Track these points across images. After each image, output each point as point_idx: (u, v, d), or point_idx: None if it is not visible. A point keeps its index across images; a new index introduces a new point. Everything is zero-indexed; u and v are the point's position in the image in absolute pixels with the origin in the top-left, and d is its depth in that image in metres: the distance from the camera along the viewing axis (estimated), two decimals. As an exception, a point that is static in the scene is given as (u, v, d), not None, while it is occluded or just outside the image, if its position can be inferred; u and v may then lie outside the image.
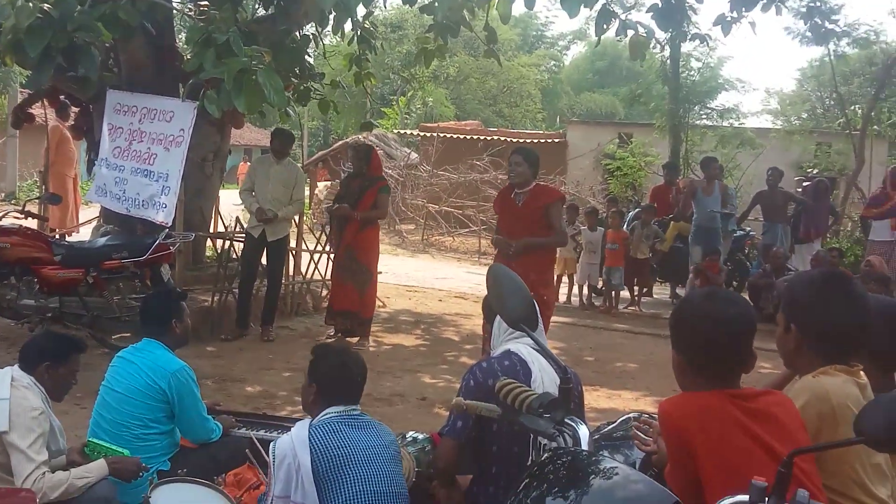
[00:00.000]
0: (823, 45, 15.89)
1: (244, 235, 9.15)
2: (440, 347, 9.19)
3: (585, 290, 12.44)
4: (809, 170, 18.80)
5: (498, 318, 3.67)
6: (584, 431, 2.11)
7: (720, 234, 11.97)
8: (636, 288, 12.28)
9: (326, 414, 3.64)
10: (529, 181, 7.09)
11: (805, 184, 15.16)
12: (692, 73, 19.52)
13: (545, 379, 3.31)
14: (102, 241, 8.03)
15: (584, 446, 2.07)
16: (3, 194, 19.88)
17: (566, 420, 2.14)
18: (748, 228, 13.33)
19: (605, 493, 1.81)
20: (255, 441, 4.48)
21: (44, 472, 3.79)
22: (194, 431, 4.65)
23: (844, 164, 18.75)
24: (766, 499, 1.75)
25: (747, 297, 11.82)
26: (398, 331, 10.00)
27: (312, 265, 10.81)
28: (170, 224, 7.99)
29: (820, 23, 11.61)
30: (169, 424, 4.58)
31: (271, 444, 3.62)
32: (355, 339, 8.81)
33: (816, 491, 2.18)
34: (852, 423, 2.45)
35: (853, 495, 2.43)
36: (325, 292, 10.75)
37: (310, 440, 3.44)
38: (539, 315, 2.58)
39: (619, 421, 3.20)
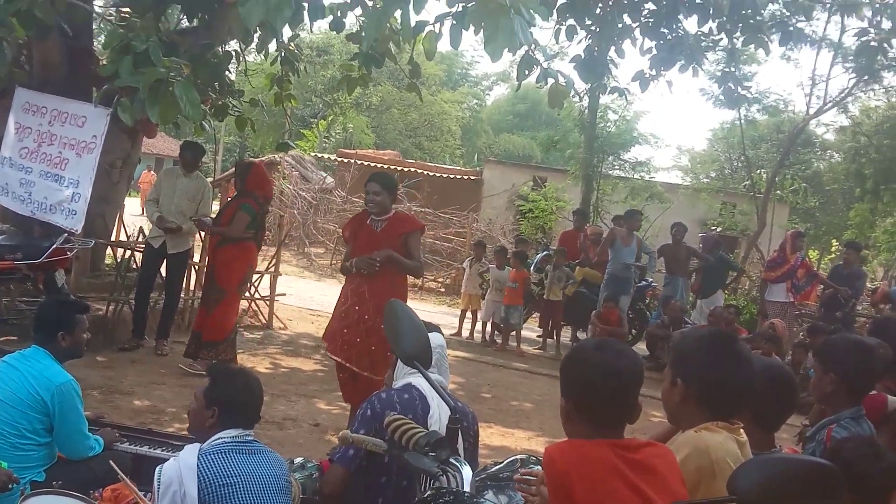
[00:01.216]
0: (735, 109, 16.53)
1: (144, 246, 8.97)
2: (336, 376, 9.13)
3: (489, 328, 12.54)
4: (713, 227, 19.40)
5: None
6: (467, 473, 2.11)
7: (632, 285, 12.25)
8: (551, 329, 12.49)
9: (219, 439, 3.55)
10: (388, 209, 6.62)
11: (700, 234, 15.69)
12: (608, 124, 19.98)
13: (443, 415, 3.32)
14: (-5, 239, 7.77)
15: (467, 488, 2.07)
16: None
17: (451, 460, 2.14)
18: (650, 279, 13.65)
19: None
20: (114, 465, 4.34)
21: None
22: (72, 448, 4.51)
23: (747, 225, 19.43)
24: None
25: (645, 346, 12.13)
26: (297, 354, 9.90)
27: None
28: (79, 231, 7.79)
29: (733, 88, 12.06)
30: (47, 437, 4.43)
31: (157, 468, 3.52)
32: (188, 363, 8.30)
33: None
34: (727, 472, 2.54)
35: None
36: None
37: (198, 468, 3.35)
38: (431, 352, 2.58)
39: (506, 462, 3.22)
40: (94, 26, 9.64)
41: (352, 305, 6.52)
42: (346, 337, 6.49)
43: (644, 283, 13.32)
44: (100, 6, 8.49)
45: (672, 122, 65.27)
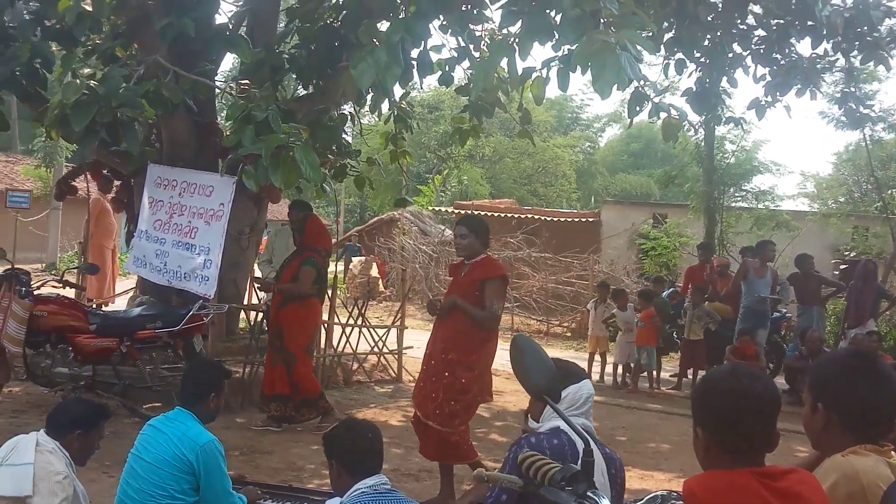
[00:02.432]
0: (858, 130, 15.95)
1: (266, 308, 9.23)
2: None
3: (620, 370, 12.34)
4: (847, 253, 18.63)
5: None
6: None
7: (768, 318, 11.87)
8: (690, 370, 12.18)
9: (356, 490, 3.62)
10: (478, 252, 6.31)
11: (843, 266, 15.03)
12: (727, 155, 19.56)
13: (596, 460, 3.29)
14: (137, 311, 8.15)
15: None
16: (44, 265, 20.24)
17: (588, 493, 2.11)
18: (784, 310, 13.19)
19: None
20: None
21: (66, 537, 3.81)
22: (218, 504, 4.63)
23: (882, 248, 18.57)
24: None
25: (784, 380, 11.68)
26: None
27: (344, 338, 10.84)
28: (212, 296, 8.08)
29: (854, 108, 11.67)
30: (194, 496, 4.54)
31: None
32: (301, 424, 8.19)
33: None
34: (879, 496, 2.41)
35: None
36: (355, 366, 10.77)
37: None
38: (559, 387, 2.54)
39: (646, 499, 3.12)
40: (216, 101, 10.09)
41: (427, 355, 6.55)
42: (422, 388, 6.48)
43: (778, 314, 12.88)
44: (221, 81, 8.90)
45: (793, 149, 63.21)
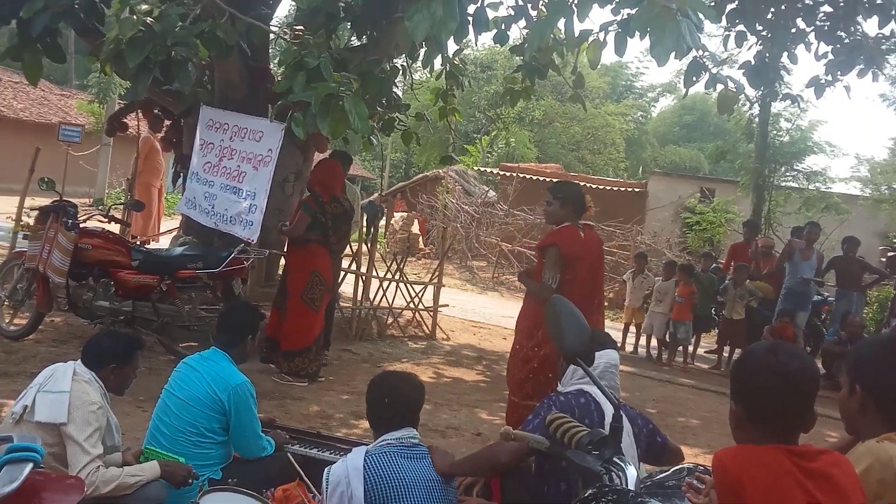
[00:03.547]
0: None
1: None
2: (500, 384, 9.10)
3: (653, 342, 12.25)
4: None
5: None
6: (632, 472, 2.05)
7: (810, 301, 11.71)
8: (727, 349, 12.07)
9: (383, 440, 3.65)
10: (562, 220, 6.21)
11: (891, 254, 14.74)
12: (781, 132, 19.19)
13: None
14: (179, 250, 8.22)
15: (631, 487, 2.01)
16: (91, 200, 20.52)
17: (615, 459, 2.09)
18: (826, 294, 12.99)
19: None
20: (294, 462, 4.50)
21: (98, 466, 3.87)
22: (247, 447, 4.68)
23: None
24: None
25: (821, 364, 11.54)
26: (459, 365, 9.97)
27: (380, 292, 10.88)
28: (255, 241, 8.12)
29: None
30: (224, 435, 4.62)
31: (325, 469, 3.64)
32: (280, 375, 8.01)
33: None
34: None
35: None
36: (390, 320, 10.82)
37: (364, 469, 3.44)
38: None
39: (672, 470, 3.11)
40: (270, 47, 10.07)
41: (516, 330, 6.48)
42: (510, 364, 6.45)
43: (820, 297, 12.69)
44: (275, 26, 8.86)
45: (850, 131, 62.00)
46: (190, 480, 4.23)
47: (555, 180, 21.35)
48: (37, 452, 2.73)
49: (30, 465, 2.66)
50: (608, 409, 3.23)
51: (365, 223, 10.58)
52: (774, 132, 18.76)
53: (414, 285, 11.34)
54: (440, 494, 3.45)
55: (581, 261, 6.12)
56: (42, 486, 2.85)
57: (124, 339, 4.46)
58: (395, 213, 22.98)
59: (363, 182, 37.67)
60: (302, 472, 4.56)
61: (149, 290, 7.73)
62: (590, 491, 2.02)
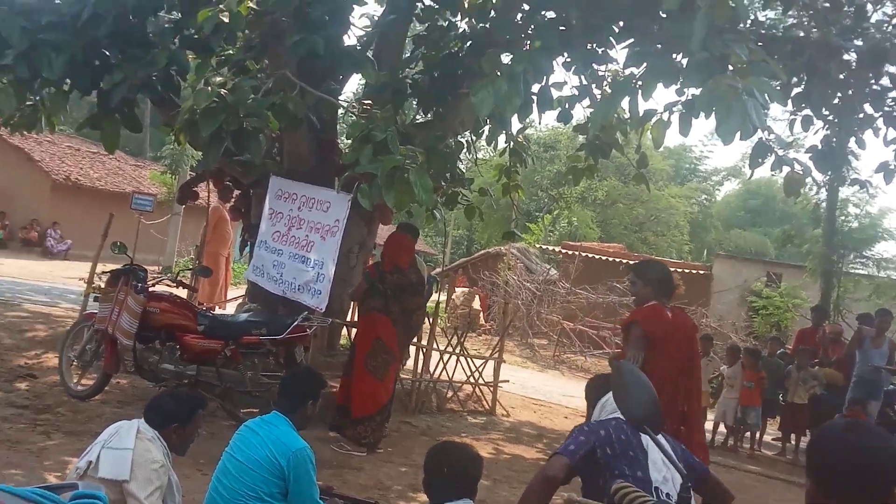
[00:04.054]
0: None
1: None
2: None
3: (722, 428, 11.97)
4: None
5: (603, 399, 3.63)
6: None
7: (881, 390, 11.37)
8: (793, 435, 11.76)
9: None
10: (648, 299, 6.09)
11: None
12: (849, 218, 18.93)
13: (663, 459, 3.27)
14: (244, 316, 8.35)
15: None
16: (160, 268, 21.00)
17: None
18: (899, 384, 12.60)
19: None
20: None
21: (158, 526, 3.90)
22: (305, 512, 4.68)
23: None
24: None
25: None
26: (519, 441, 9.86)
27: (441, 365, 10.88)
28: (323, 309, 8.22)
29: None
30: (282, 501, 4.59)
31: None
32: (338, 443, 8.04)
33: None
34: None
35: None
36: (450, 394, 10.78)
37: None
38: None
39: None
40: (338, 122, 10.32)
41: None
42: None
43: (893, 387, 12.31)
44: (344, 100, 9.11)
45: (922, 219, 60.78)
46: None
47: (618, 260, 21.36)
48: (101, 501, 2.77)
49: (94, 513, 2.70)
50: (651, 448, 3.18)
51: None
52: (843, 217, 18.52)
53: (474, 359, 11.31)
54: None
55: (667, 342, 5.97)
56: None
57: (187, 399, 4.53)
58: (456, 289, 23.06)
59: (425, 257, 37.94)
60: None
61: (213, 355, 7.83)
62: None
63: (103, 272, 8.92)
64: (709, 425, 12.18)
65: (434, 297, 11.61)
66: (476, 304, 21.91)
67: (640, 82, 6.74)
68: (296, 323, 7.90)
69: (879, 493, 2.18)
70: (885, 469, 2.17)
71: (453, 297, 22.26)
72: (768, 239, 40.69)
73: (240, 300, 10.74)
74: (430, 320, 10.75)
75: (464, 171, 11.24)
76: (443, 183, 9.60)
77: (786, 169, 7.85)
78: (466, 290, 22.80)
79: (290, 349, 8.08)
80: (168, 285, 8.77)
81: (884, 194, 68.34)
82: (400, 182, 6.26)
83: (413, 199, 6.42)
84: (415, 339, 10.45)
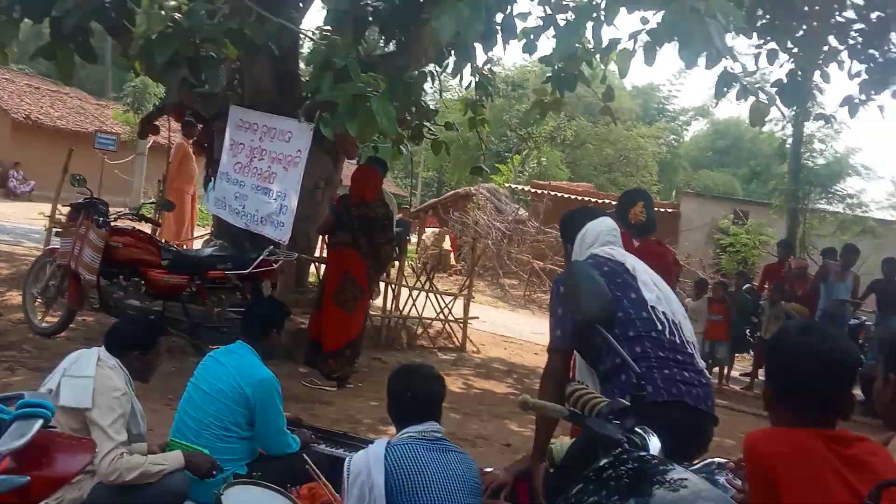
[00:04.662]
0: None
1: None
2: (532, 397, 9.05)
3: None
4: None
5: (581, 234, 3.69)
6: (655, 442, 1.98)
7: (845, 323, 11.52)
8: (761, 370, 11.88)
9: (405, 433, 3.61)
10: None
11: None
12: (815, 154, 19.02)
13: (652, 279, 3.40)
14: (209, 251, 8.27)
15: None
16: (127, 209, 20.71)
17: (636, 429, 2.03)
18: (863, 318, 12.77)
19: None
20: (307, 459, 4.48)
21: (122, 452, 3.84)
22: (271, 442, 4.67)
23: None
24: None
25: (859, 390, 11.31)
26: (490, 377, 9.92)
27: (411, 302, 10.89)
28: (286, 242, 8.15)
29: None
30: (249, 431, 4.60)
31: (347, 459, 3.61)
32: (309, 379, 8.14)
33: None
34: None
35: None
36: (420, 330, 10.81)
37: (385, 459, 3.40)
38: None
39: (702, 463, 2.99)
40: (299, 52, 10.10)
41: None
42: None
43: (857, 321, 12.48)
44: (304, 28, 8.90)
45: (886, 154, 61.16)
46: (214, 472, 4.21)
47: (587, 199, 21.37)
48: (47, 409, 2.74)
49: (39, 422, 2.66)
50: (635, 265, 3.27)
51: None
52: (808, 153, 18.60)
53: (444, 296, 11.33)
54: (461, 487, 3.40)
55: None
56: (52, 444, 2.86)
57: (148, 325, 4.48)
58: (426, 229, 23.00)
59: (395, 199, 37.70)
60: (319, 474, 4.54)
61: (179, 290, 7.75)
62: (606, 459, 1.94)
63: (64, 205, 8.77)
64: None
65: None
66: (446, 244, 21.86)
67: (602, 7, 6.66)
68: (262, 257, 7.82)
69: (836, 395, 2.18)
70: (841, 369, 2.18)
71: (423, 237, 22.21)
72: (736, 179, 40.91)
73: (206, 237, 10.64)
74: (400, 258, 10.74)
75: (429, 105, 11.09)
76: (407, 117, 9.48)
77: (751, 99, 7.85)
78: (436, 230, 22.74)
79: (257, 284, 8.02)
80: (130, 220, 8.65)
81: (848, 129, 68.64)
82: (362, 110, 6.15)
83: (376, 128, 6.32)
84: (384, 276, 10.44)
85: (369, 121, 6.17)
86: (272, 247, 7.99)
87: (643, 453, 1.97)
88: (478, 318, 11.93)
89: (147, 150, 20.83)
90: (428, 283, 11.11)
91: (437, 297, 11.18)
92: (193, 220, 13.56)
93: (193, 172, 13.02)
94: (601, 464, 1.91)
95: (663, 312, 3.33)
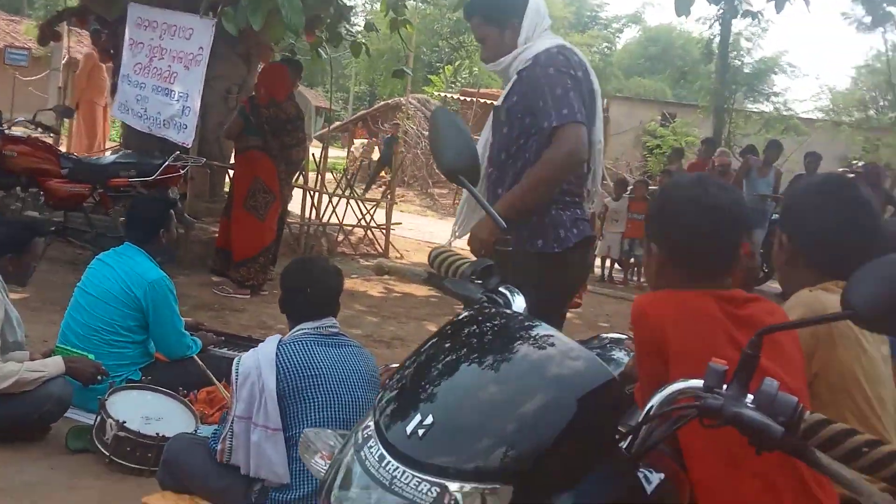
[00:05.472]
0: (881, 29, 15.31)
1: None
2: (451, 301, 8.96)
3: (607, 263, 12.08)
4: (855, 161, 18.24)
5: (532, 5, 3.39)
6: (519, 301, 1.80)
7: (767, 219, 11.60)
8: None
9: (299, 330, 3.46)
10: None
11: (850, 176, 14.65)
12: (742, 53, 18.98)
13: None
14: (111, 158, 7.90)
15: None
16: (23, 117, 19.94)
17: (500, 289, 1.84)
18: (784, 213, 12.88)
19: (535, 364, 1.47)
20: (198, 361, 4.32)
21: (-5, 359, 3.66)
22: (168, 345, 4.51)
23: (892, 159, 18.16)
24: (725, 386, 1.43)
25: (778, 284, 11.46)
26: (411, 281, 9.78)
27: (331, 208, 10.63)
28: (189, 144, 7.78)
29: (878, 2, 11.12)
30: (142, 334, 4.45)
31: (235, 359, 3.43)
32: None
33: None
34: (852, 342, 2.15)
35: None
36: (341, 237, 10.59)
37: (277, 357, 3.23)
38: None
39: (594, 337, 2.83)
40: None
41: None
42: None
43: (777, 216, 12.59)
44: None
45: (811, 55, 61.88)
46: (99, 378, 4.03)
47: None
48: None
49: None
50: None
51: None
52: (735, 52, 18.55)
53: (366, 202, 11.08)
54: (357, 381, 3.25)
55: None
56: None
57: (22, 227, 4.25)
58: (355, 140, 22.62)
59: (325, 114, 37.08)
60: (213, 377, 4.38)
61: (80, 200, 7.40)
62: (466, 312, 1.74)
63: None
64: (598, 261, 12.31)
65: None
66: (375, 155, 21.56)
67: None
68: (167, 163, 7.46)
69: (725, 250, 2.01)
70: (730, 220, 2.00)
71: (352, 148, 21.85)
72: (666, 86, 40.93)
73: (114, 146, 10.20)
74: (320, 165, 10.44)
75: (346, 2, 10.63)
76: (321, 14, 9.05)
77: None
78: (365, 141, 22.38)
79: (164, 191, 7.67)
80: (26, 127, 8.19)
81: (773, 25, 69.27)
82: (266, 3, 5.82)
83: (282, 22, 6.01)
84: (301, 182, 10.15)
85: (274, 16, 5.84)
86: (178, 152, 7.62)
87: (510, 311, 1.79)
88: (400, 223, 11.75)
89: (61, 67, 20.00)
90: (349, 190, 10.84)
91: (358, 204, 10.93)
92: (106, 133, 13.05)
93: (104, 83, 12.41)
94: (460, 317, 1.71)
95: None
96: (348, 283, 8.75)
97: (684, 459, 1.76)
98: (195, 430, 3.91)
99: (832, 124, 19.76)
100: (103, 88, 12.54)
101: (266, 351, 3.35)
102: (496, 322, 1.63)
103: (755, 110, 19.78)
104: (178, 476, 3.47)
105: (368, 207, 10.99)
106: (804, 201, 2.33)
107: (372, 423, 1.45)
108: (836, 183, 2.35)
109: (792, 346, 1.97)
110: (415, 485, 1.31)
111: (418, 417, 1.37)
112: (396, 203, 12.07)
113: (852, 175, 13.88)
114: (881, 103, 25.58)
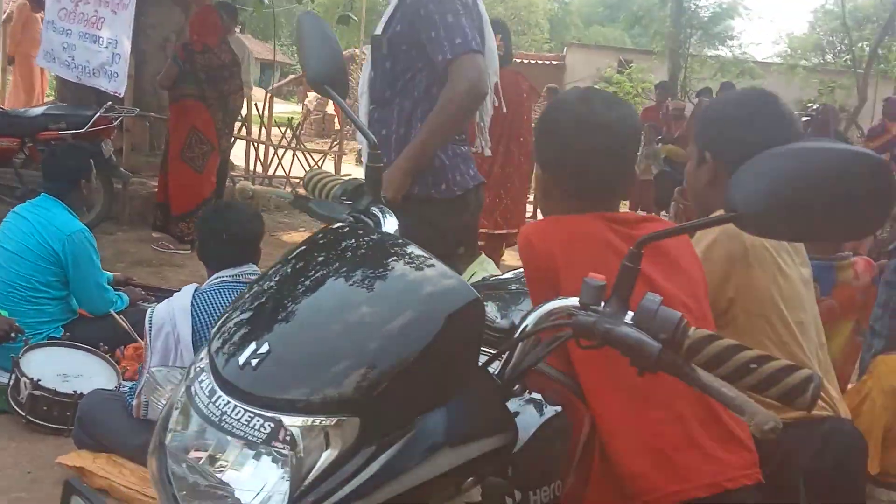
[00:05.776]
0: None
1: None
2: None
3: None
4: (810, 104, 18.23)
5: None
6: (391, 222, 1.64)
7: None
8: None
9: (216, 278, 3.33)
10: None
11: (805, 119, 14.63)
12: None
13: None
14: (40, 110, 7.59)
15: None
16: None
17: (372, 210, 1.68)
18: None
19: (410, 285, 1.32)
20: (116, 315, 4.17)
21: None
22: (90, 300, 4.33)
23: (846, 101, 18.16)
24: (603, 303, 1.31)
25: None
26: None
27: (276, 160, 10.39)
28: (121, 93, 7.49)
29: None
30: (62, 290, 4.27)
31: (148, 310, 3.28)
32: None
33: (698, 320, 1.67)
34: (769, 263, 2.03)
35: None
36: (288, 188, 10.37)
37: (192, 307, 3.08)
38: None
39: (515, 273, 2.64)
40: None
41: None
42: None
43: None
44: None
45: (770, 4, 61.83)
46: (13, 336, 3.83)
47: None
48: None
49: None
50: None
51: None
52: (691, -3, 18.46)
53: (312, 154, 10.85)
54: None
55: None
56: None
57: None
58: (307, 94, 22.22)
59: (282, 68, 36.41)
60: (132, 330, 4.23)
61: (9, 155, 7.11)
62: (338, 225, 1.58)
63: None
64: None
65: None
66: (330, 108, 21.17)
67: None
68: (98, 114, 7.18)
69: (617, 171, 1.86)
70: (622, 140, 1.83)
71: (306, 102, 21.46)
72: (625, 34, 40.78)
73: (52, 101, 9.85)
74: (265, 116, 10.17)
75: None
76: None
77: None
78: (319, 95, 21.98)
79: (96, 144, 7.37)
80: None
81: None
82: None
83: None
84: (245, 134, 9.90)
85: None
86: (110, 103, 7.33)
87: (382, 231, 1.65)
88: (350, 175, 11.52)
89: (1, 22, 19.36)
90: (295, 142, 10.59)
91: (305, 156, 10.69)
92: (44, 88, 12.60)
93: (40, 35, 11.98)
94: (332, 228, 1.56)
95: None
96: (291, 236, 8.58)
97: (584, 392, 1.63)
98: (117, 387, 3.76)
99: (788, 68, 19.71)
100: (39, 40, 12.10)
101: (181, 300, 3.23)
102: (370, 239, 1.48)
103: (711, 55, 19.67)
104: (94, 434, 3.34)
105: (316, 159, 10.77)
106: (727, 117, 2.17)
107: (206, 355, 1.29)
108: (760, 98, 2.19)
109: (692, 267, 1.85)
110: (246, 420, 1.15)
111: (253, 345, 1.21)
112: (346, 154, 11.83)
113: (806, 119, 13.92)
114: (838, 48, 25.64)
